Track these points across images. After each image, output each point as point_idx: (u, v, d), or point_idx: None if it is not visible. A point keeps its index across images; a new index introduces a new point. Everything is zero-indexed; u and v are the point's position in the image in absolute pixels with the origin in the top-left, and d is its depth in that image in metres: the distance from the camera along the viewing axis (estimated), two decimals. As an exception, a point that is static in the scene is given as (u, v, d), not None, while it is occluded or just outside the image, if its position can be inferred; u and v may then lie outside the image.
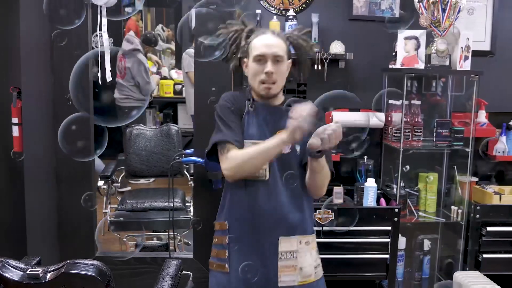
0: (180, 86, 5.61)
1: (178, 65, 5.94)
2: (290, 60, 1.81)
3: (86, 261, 1.32)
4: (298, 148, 1.76)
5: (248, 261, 1.71)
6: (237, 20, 1.81)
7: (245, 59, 1.81)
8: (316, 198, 1.89)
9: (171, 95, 5.72)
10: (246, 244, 1.74)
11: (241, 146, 1.72)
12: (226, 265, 1.76)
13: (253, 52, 1.74)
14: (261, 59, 1.72)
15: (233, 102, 1.80)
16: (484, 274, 2.62)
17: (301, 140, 1.59)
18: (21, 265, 1.32)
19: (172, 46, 6.42)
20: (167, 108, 5.89)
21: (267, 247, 1.73)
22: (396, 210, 2.56)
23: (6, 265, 1.30)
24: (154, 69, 5.82)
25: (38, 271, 1.29)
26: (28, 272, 1.30)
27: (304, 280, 1.78)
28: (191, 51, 4.53)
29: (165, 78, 5.88)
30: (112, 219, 3.10)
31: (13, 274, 1.29)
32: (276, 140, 1.61)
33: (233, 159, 1.69)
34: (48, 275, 1.29)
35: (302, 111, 1.52)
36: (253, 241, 1.74)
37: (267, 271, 1.73)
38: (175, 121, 5.66)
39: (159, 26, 6.43)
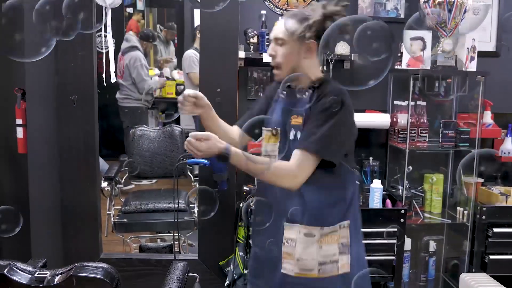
0: (182, 87, 5.60)
1: (179, 65, 5.93)
2: (310, 41, 1.65)
3: (94, 264, 1.31)
4: (299, 135, 1.69)
5: (267, 241, 1.76)
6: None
7: None
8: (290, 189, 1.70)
9: (173, 95, 5.70)
10: (264, 226, 1.77)
11: (240, 127, 1.82)
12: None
13: None
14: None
15: (269, 90, 1.89)
16: (491, 276, 2.60)
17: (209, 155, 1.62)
18: (29, 268, 1.31)
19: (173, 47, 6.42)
20: (169, 109, 5.87)
21: (280, 231, 1.75)
22: (403, 211, 2.55)
23: (14, 268, 1.29)
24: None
25: (46, 274, 1.28)
26: (36, 275, 1.28)
27: (303, 273, 1.70)
28: (191, 51, 4.52)
29: (167, 78, 5.87)
30: (116, 220, 3.08)
31: (21, 277, 1.28)
32: None
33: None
34: (56, 278, 1.28)
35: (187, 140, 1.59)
36: (270, 224, 1.74)
37: (278, 254, 1.75)
38: (177, 121, 5.65)
39: (157, 27, 6.43)
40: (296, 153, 1.63)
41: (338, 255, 1.73)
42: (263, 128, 1.76)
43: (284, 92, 1.76)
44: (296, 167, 1.62)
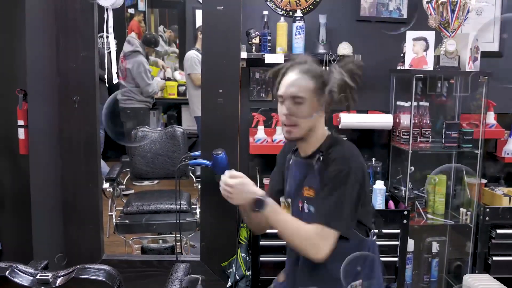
0: (184, 88, 5.60)
1: (181, 66, 5.93)
2: (326, 94, 1.58)
3: (96, 266, 1.31)
4: (312, 208, 1.63)
5: None
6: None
7: None
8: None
9: (175, 96, 5.70)
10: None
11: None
12: None
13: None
14: (280, 99, 1.60)
15: (282, 154, 1.83)
16: (494, 277, 2.59)
17: (248, 205, 1.59)
18: (30, 270, 1.30)
19: (176, 49, 6.41)
20: (171, 110, 5.87)
21: None
22: (405, 212, 2.54)
23: (15, 270, 1.28)
24: (161, 74, 5.80)
25: (48, 276, 1.28)
26: (37, 277, 1.28)
27: None
28: (193, 52, 4.52)
29: (168, 79, 5.87)
30: (117, 221, 3.08)
31: (23, 279, 1.27)
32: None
33: None
34: (58, 280, 1.28)
35: (224, 184, 1.56)
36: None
37: None
38: (179, 122, 5.65)
39: (161, 28, 6.43)
40: (318, 227, 1.52)
41: None
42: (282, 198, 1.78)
43: (294, 160, 1.73)
44: (319, 240, 1.52)
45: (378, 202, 2.61)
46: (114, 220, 3.10)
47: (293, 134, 1.61)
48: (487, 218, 2.66)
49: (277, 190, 1.81)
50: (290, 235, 1.56)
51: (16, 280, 1.26)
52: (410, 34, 2.66)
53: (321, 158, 1.60)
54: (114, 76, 2.62)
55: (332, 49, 2.80)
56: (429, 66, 2.65)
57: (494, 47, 2.97)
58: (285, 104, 1.58)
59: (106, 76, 2.65)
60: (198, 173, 3.30)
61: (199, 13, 5.72)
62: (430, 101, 2.86)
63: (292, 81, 1.57)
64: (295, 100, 1.57)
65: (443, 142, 2.78)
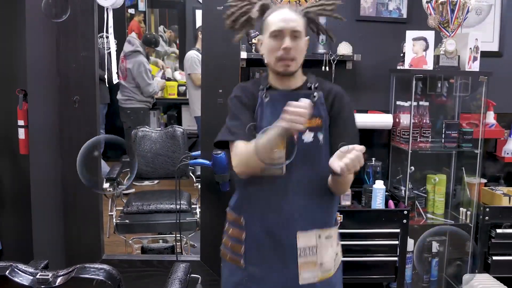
0: (184, 88, 5.60)
1: (181, 66, 5.94)
2: (307, 37, 1.69)
3: (96, 265, 1.31)
4: (321, 137, 1.64)
5: (266, 260, 1.65)
6: None
7: (259, 37, 1.71)
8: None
9: (175, 96, 5.70)
10: (264, 243, 1.66)
11: (249, 140, 1.59)
12: (242, 261, 1.69)
13: (270, 28, 1.62)
14: (278, 34, 1.61)
15: (244, 94, 1.70)
16: (494, 277, 2.60)
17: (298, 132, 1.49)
18: (31, 269, 1.31)
19: (176, 49, 6.42)
20: (171, 110, 5.88)
21: (286, 244, 1.65)
22: (405, 212, 2.54)
23: (15, 269, 1.28)
24: (160, 74, 5.80)
25: (48, 275, 1.28)
26: (37, 276, 1.28)
27: (325, 276, 1.69)
28: (193, 52, 4.52)
29: (169, 79, 5.87)
30: (118, 221, 3.08)
31: (23, 279, 1.28)
32: (274, 130, 1.47)
33: (240, 156, 1.60)
34: (58, 280, 1.28)
35: (297, 109, 1.42)
36: (271, 240, 1.66)
37: (287, 269, 1.65)
38: (179, 122, 5.65)
39: (161, 28, 6.43)
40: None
41: (339, 246, 1.79)
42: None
43: (276, 95, 1.67)
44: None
45: (378, 201, 2.62)
46: (114, 220, 3.11)
47: (291, 68, 1.64)
48: (487, 218, 2.66)
49: (252, 127, 1.68)
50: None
51: (16, 279, 1.26)
52: (410, 34, 2.66)
53: (315, 88, 1.68)
54: (114, 76, 2.62)
55: (332, 49, 2.80)
56: (429, 66, 2.66)
57: (494, 47, 2.97)
58: (285, 39, 1.61)
59: (106, 76, 2.65)
60: (198, 173, 3.30)
61: (199, 13, 5.73)
62: (430, 101, 2.86)
63: (291, 16, 1.62)
64: (295, 34, 1.61)
65: (443, 141, 2.79)
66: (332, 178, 1.62)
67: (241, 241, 1.69)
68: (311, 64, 2.83)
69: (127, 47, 4.67)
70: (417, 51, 2.66)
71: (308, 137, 1.63)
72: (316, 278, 1.67)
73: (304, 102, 1.43)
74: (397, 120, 2.84)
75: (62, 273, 1.29)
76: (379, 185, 2.63)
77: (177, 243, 3.00)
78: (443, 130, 2.78)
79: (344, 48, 2.79)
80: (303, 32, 1.64)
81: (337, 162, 1.42)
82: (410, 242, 2.75)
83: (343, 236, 2.50)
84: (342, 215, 2.50)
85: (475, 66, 2.69)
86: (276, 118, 1.51)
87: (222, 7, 2.53)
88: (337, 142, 1.58)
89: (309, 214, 1.66)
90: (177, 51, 6.39)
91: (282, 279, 1.66)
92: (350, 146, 1.42)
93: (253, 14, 1.69)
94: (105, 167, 3.97)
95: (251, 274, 1.69)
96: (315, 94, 1.66)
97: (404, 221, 2.55)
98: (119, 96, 4.76)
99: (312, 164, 1.64)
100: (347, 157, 1.40)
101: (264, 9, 1.69)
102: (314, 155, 1.65)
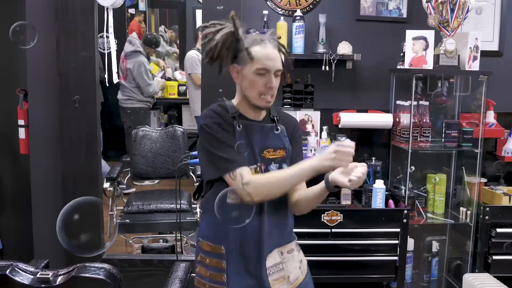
0: (184, 88, 5.60)
1: (182, 66, 5.94)
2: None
3: (97, 265, 1.31)
4: (285, 167, 1.70)
5: (245, 283, 1.68)
6: (229, 19, 1.62)
7: (235, 66, 1.66)
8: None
9: (176, 96, 5.71)
10: (242, 266, 1.69)
11: (248, 165, 1.62)
12: None
13: (255, 64, 1.60)
14: (263, 72, 1.61)
15: (224, 120, 1.65)
16: (494, 276, 2.59)
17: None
18: (31, 269, 1.31)
19: (177, 49, 6.42)
20: (171, 110, 5.88)
21: (260, 264, 1.69)
22: (405, 211, 2.55)
23: (16, 268, 1.29)
24: (161, 74, 5.80)
25: (48, 274, 1.28)
26: (38, 275, 1.28)
27: (295, 285, 1.75)
28: (193, 52, 4.52)
29: (169, 79, 5.88)
30: (118, 221, 3.08)
31: (23, 278, 1.28)
32: (308, 169, 1.55)
33: (261, 186, 1.58)
34: (59, 279, 1.28)
35: (349, 151, 1.49)
36: (246, 263, 1.69)
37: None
38: (179, 122, 5.65)
39: (161, 28, 6.43)
40: None
41: (300, 252, 1.84)
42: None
43: (248, 125, 1.68)
44: None
45: (378, 201, 2.62)
46: (114, 220, 3.11)
47: (271, 103, 1.68)
48: (487, 217, 2.66)
49: (240, 145, 1.66)
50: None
51: (16, 278, 1.27)
52: (410, 34, 2.66)
53: (277, 121, 1.74)
54: (115, 76, 2.63)
55: (332, 49, 2.80)
56: (429, 65, 2.65)
57: (494, 46, 2.97)
58: (268, 77, 1.62)
59: (106, 76, 2.65)
60: (199, 172, 3.31)
61: (199, 13, 5.73)
62: (430, 100, 2.86)
63: (275, 55, 1.64)
64: (277, 73, 1.64)
65: (443, 141, 2.79)
66: (318, 195, 1.65)
67: (222, 269, 1.68)
68: (311, 64, 2.83)
69: (127, 47, 4.68)
70: (417, 50, 2.65)
71: (274, 168, 1.69)
72: None
73: (349, 142, 1.51)
74: (397, 119, 2.84)
75: (62, 272, 1.29)
76: (379, 184, 2.63)
77: (178, 243, 3.01)
78: (443, 129, 2.78)
79: (344, 48, 2.79)
80: (282, 70, 1.67)
81: (342, 177, 1.51)
82: (410, 241, 2.76)
83: (343, 236, 2.54)
84: (342, 215, 2.50)
85: (475, 66, 2.69)
86: (249, 148, 1.64)
87: (222, 7, 2.54)
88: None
89: (273, 235, 1.70)
90: (178, 51, 6.39)
91: None
92: (354, 164, 1.51)
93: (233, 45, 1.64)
94: (106, 166, 3.97)
95: None
96: (279, 127, 1.73)
97: (404, 220, 2.55)
98: (119, 96, 4.76)
99: None
100: (357, 172, 1.49)
101: (240, 38, 1.64)
102: None
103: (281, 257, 1.72)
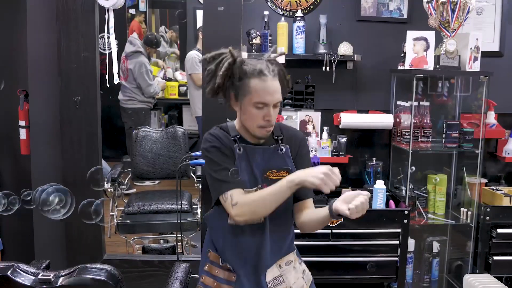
0: (185, 88, 5.60)
1: (182, 66, 5.94)
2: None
3: (98, 266, 1.31)
4: None
5: None
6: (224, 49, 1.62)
7: (233, 95, 1.64)
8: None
9: (176, 96, 5.70)
10: (248, 279, 1.70)
11: (243, 187, 1.62)
12: None
13: (254, 97, 1.59)
14: (262, 106, 1.60)
15: (223, 145, 1.66)
16: (495, 277, 2.59)
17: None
18: (32, 270, 1.31)
19: (177, 50, 6.42)
20: (172, 110, 5.88)
21: (262, 281, 1.69)
22: (406, 212, 2.55)
23: (17, 269, 1.28)
24: (161, 74, 5.80)
25: (49, 275, 1.28)
26: (39, 276, 1.28)
27: None
28: (194, 52, 4.52)
29: (169, 80, 5.87)
30: (119, 221, 3.08)
31: (25, 279, 1.27)
32: (291, 184, 1.51)
33: (246, 205, 1.58)
34: (60, 280, 1.28)
35: (335, 181, 1.46)
36: (252, 276, 1.70)
37: None
38: (180, 122, 5.65)
39: (162, 28, 6.43)
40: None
41: (302, 264, 1.82)
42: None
43: (249, 148, 1.68)
44: None
45: (379, 201, 2.62)
46: (115, 220, 3.11)
47: (269, 132, 1.67)
48: (487, 218, 2.66)
49: (234, 171, 1.67)
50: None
51: (18, 279, 1.26)
52: (411, 34, 2.66)
53: (281, 141, 1.71)
54: (115, 76, 2.63)
55: (333, 49, 2.80)
56: (430, 66, 2.66)
57: (495, 46, 2.97)
58: (267, 109, 1.61)
59: (107, 77, 2.65)
60: (199, 173, 3.31)
61: (200, 13, 5.73)
62: (430, 101, 2.86)
63: (274, 88, 1.61)
64: (277, 104, 1.63)
65: (443, 142, 2.79)
66: (323, 220, 1.64)
67: (231, 282, 1.69)
68: (311, 64, 2.83)
69: (128, 48, 4.68)
70: (417, 51, 2.66)
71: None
72: None
73: (338, 173, 1.48)
74: (397, 120, 2.85)
75: (63, 273, 1.29)
76: (379, 185, 2.63)
77: (178, 243, 3.01)
78: (444, 130, 2.78)
79: (345, 48, 2.79)
80: (281, 99, 1.66)
81: (344, 205, 1.48)
82: (411, 242, 2.76)
83: (344, 236, 2.54)
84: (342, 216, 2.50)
85: (476, 66, 2.69)
86: (250, 170, 1.64)
87: (222, 7, 2.54)
88: None
89: (273, 250, 1.70)
90: (178, 52, 6.39)
91: None
92: (355, 193, 1.50)
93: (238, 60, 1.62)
94: (106, 167, 3.97)
95: None
96: (282, 147, 1.70)
97: (405, 221, 2.55)
98: (120, 96, 4.76)
99: (277, 209, 1.62)
100: (357, 200, 1.46)
101: (239, 66, 1.62)
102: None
103: (280, 270, 1.72)
